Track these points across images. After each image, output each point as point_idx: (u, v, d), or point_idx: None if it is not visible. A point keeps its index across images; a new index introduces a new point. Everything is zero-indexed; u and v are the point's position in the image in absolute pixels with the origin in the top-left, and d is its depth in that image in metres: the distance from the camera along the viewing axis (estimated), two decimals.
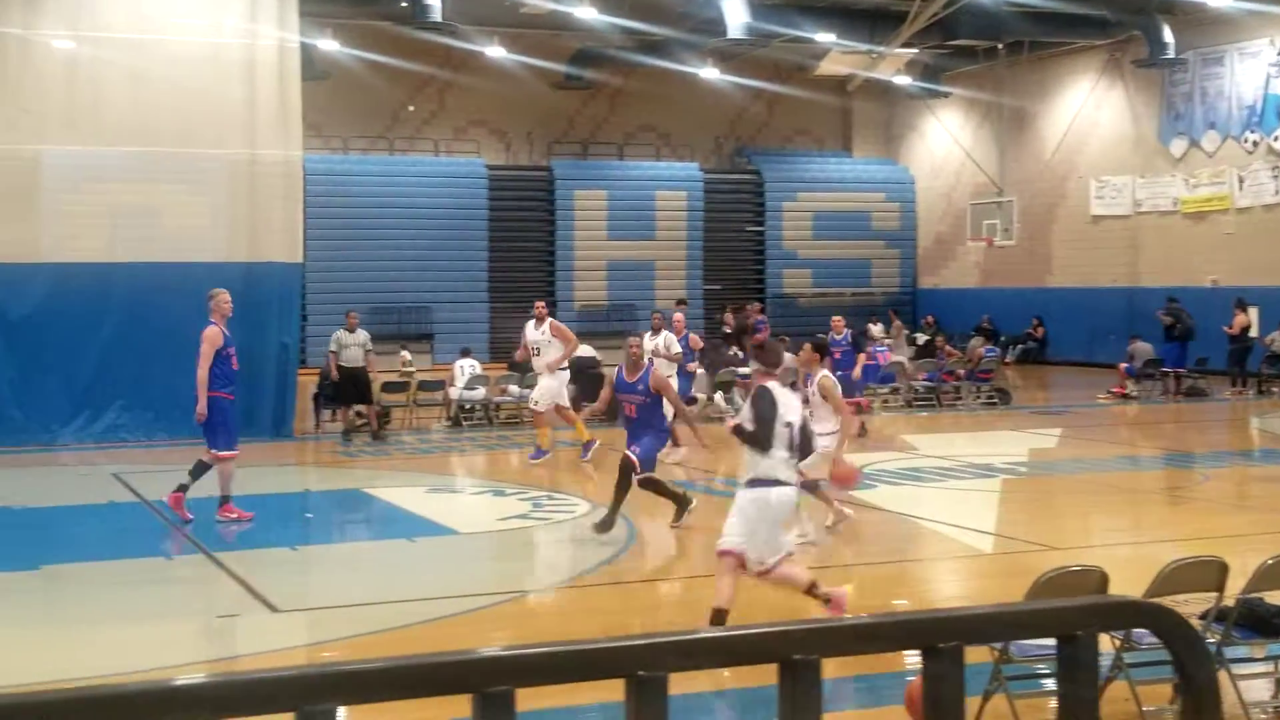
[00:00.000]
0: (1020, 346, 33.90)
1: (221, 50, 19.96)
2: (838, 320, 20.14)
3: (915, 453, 18.44)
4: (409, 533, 12.92)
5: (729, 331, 26.94)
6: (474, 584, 10.91)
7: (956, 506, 14.04)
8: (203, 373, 12.45)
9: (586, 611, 9.69)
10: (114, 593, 10.57)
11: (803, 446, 8.40)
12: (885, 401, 24.09)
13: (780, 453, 8.21)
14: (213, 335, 12.62)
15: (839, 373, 19.01)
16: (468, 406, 21.53)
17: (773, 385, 8.39)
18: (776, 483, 8.22)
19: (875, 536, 12.70)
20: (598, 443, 16.82)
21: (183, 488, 12.57)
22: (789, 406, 8.37)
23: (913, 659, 7.00)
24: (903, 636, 2.46)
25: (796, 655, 2.22)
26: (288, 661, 8.30)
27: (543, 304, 19.21)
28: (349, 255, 31.66)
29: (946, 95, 35.62)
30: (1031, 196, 34.27)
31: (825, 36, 29.84)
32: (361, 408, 20.15)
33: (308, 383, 21.52)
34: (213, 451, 12.59)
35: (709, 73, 32.89)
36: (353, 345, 19.70)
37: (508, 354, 25.32)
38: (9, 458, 17.77)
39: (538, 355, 17.66)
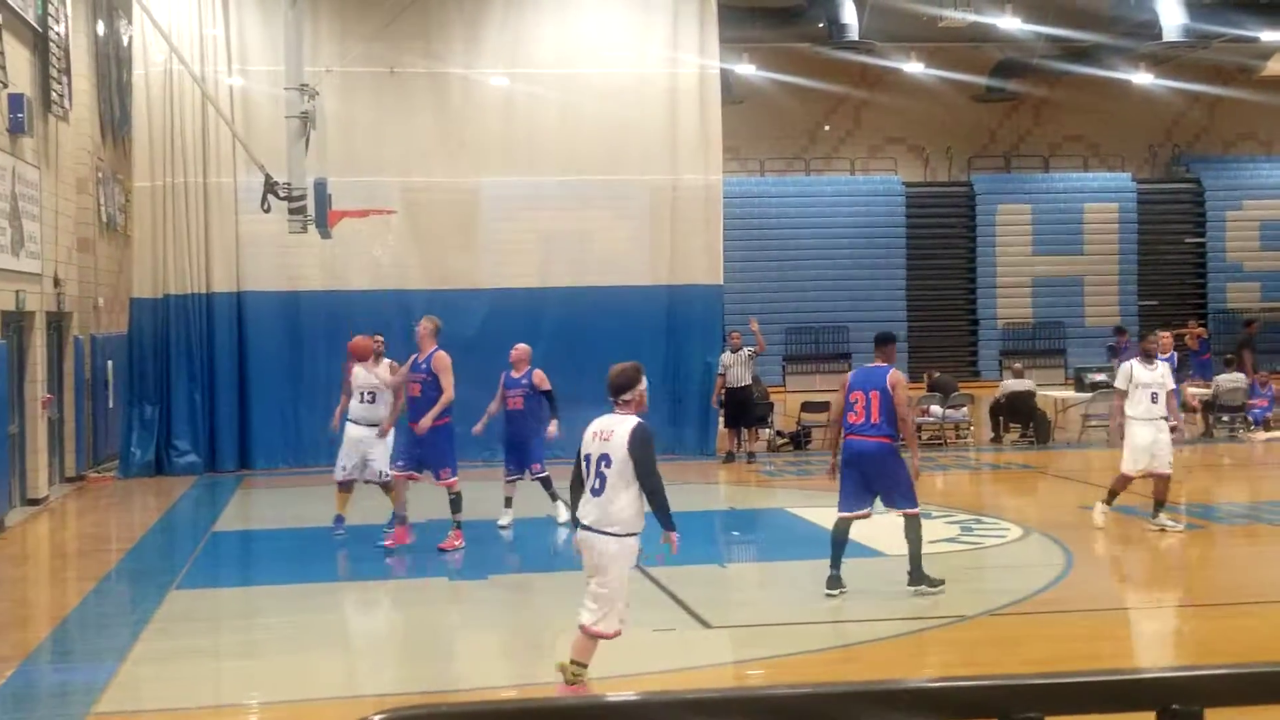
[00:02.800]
0: None
1: (645, 80, 20.65)
2: (1166, 338, 18.31)
3: None
4: None
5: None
6: (902, 607, 10.64)
7: None
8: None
9: (1022, 640, 9.25)
10: (556, 602, 10.96)
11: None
12: None
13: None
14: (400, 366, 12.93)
15: None
16: None
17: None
18: None
19: None
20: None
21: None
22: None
23: None
24: None
25: None
26: (722, 677, 8.36)
27: (374, 338, 13.90)
28: (766, 276, 32.02)
29: None
30: None
31: (1272, 35, 27.72)
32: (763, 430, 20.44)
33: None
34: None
35: (1142, 78, 31.24)
36: (736, 365, 19.77)
37: (926, 373, 24.84)
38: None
39: (369, 402, 13.46)
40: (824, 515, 14.82)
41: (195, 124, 19.78)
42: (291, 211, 16.11)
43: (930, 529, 13.84)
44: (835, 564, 10.43)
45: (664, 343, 20.45)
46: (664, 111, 20.71)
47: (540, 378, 14.14)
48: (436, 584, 11.54)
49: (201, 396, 19.76)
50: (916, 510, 10.50)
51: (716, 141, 21.00)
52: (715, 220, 21.13)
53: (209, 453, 19.74)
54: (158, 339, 19.74)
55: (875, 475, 10.45)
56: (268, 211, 16.39)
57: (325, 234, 16.90)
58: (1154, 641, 9.59)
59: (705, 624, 9.68)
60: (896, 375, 10.69)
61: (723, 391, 19.69)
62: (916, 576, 10.38)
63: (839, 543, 10.47)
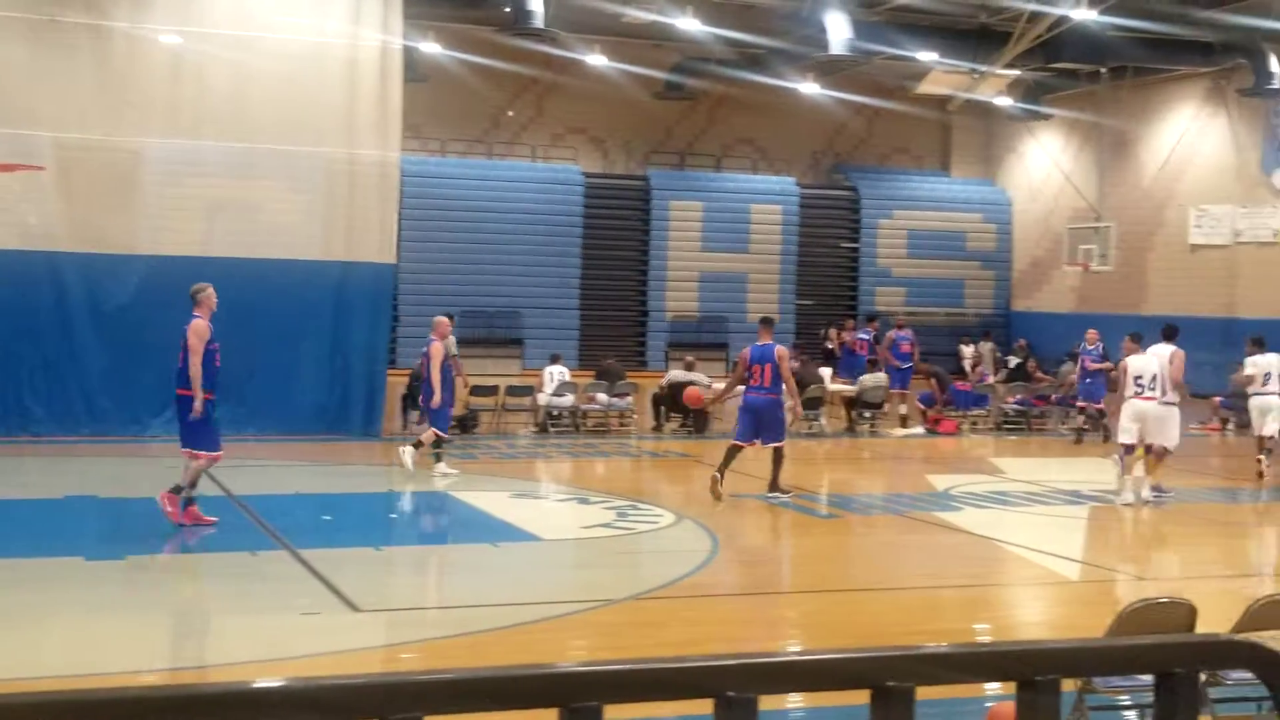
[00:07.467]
0: (1114, 373, 33.31)
1: (325, 49, 20.19)
2: (1092, 332, 21.96)
3: (1002, 476, 18.18)
4: (492, 537, 12.94)
5: (831, 348, 26.87)
6: (554, 591, 10.91)
7: (1041, 532, 13.81)
8: (195, 368, 12.00)
9: (664, 624, 9.62)
10: (197, 586, 10.70)
11: None
12: (975, 424, 23.80)
13: None
14: (201, 329, 12.17)
15: (1087, 380, 21.43)
16: (555, 413, 21.58)
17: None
18: None
19: (958, 559, 12.53)
20: None
21: (190, 500, 12.26)
22: None
23: (994, 685, 6.86)
24: (1001, 667, 2.37)
25: (890, 682, 2.15)
26: (368, 662, 8.34)
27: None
28: (442, 258, 31.90)
29: (1047, 118, 35.14)
30: (1130, 223, 33.67)
31: (927, 55, 29.56)
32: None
33: (397, 384, 21.69)
34: (194, 450, 12.20)
35: (809, 88, 32.73)
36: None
37: (597, 361, 25.35)
38: (99, 447, 18.09)
39: None
40: (486, 499, 15.04)
41: None
42: None
43: (587, 514, 14.29)
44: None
45: (332, 320, 20.11)
46: (342, 84, 20.30)
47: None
48: (71, 564, 11.01)
49: None
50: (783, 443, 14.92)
51: (396, 118, 20.75)
52: (391, 197, 20.92)
53: None
54: None
55: (766, 420, 14.74)
56: None
57: None
58: (785, 624, 10.12)
59: (354, 607, 9.61)
60: (782, 350, 15.05)
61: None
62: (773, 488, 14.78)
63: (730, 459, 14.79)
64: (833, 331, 28.93)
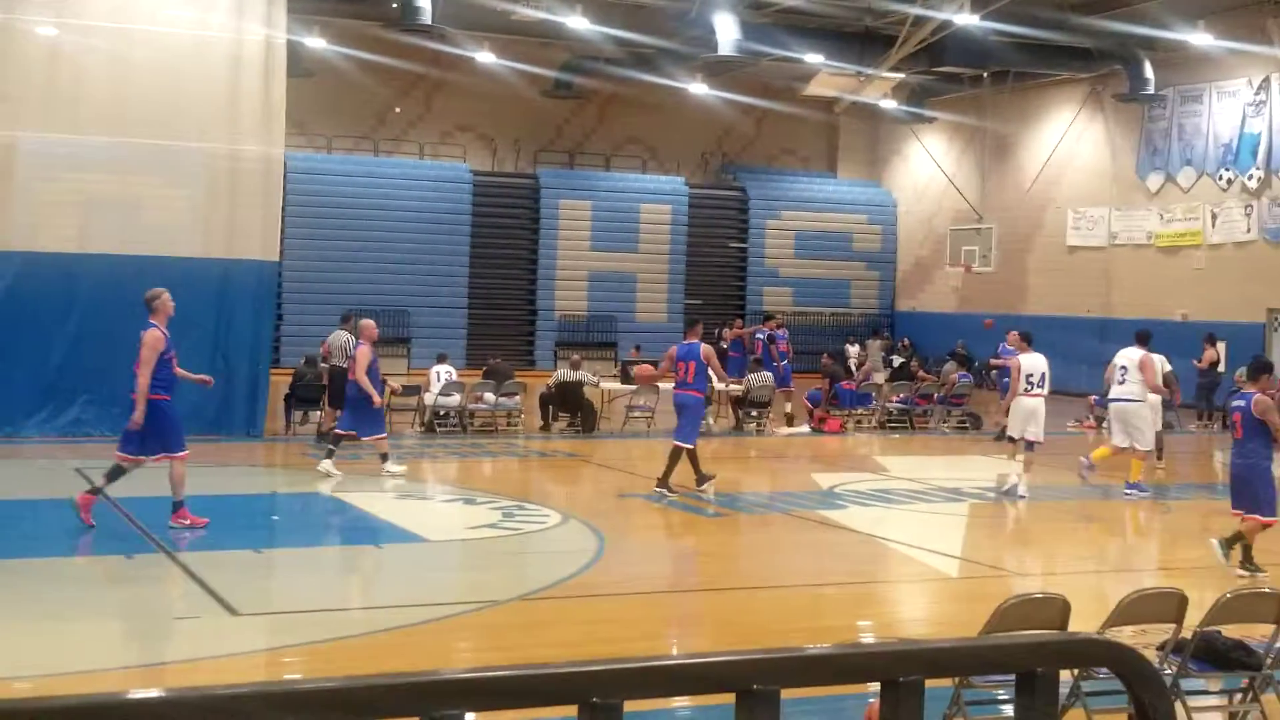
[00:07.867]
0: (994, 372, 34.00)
1: (207, 43, 19.82)
2: (1013, 334, 20.69)
3: (886, 474, 18.44)
4: (376, 538, 12.82)
5: (725, 347, 27.00)
6: (439, 593, 10.83)
7: (923, 529, 14.03)
8: (144, 381, 11.87)
9: (549, 624, 9.61)
10: (70, 590, 10.43)
11: None
12: (859, 422, 24.11)
13: None
14: (156, 340, 12.00)
15: (1005, 380, 20.15)
16: (442, 413, 21.43)
17: None
18: None
19: (841, 556, 12.69)
20: None
21: (96, 490, 12.11)
22: None
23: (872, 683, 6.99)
24: (863, 669, 2.42)
25: (755, 685, 2.17)
26: (246, 667, 8.21)
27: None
28: (328, 256, 31.53)
29: (931, 120, 35.74)
30: (1010, 224, 34.39)
31: (814, 57, 29.90)
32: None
33: (280, 383, 21.37)
34: (167, 455, 12.14)
35: (698, 88, 32.92)
36: (338, 347, 19.58)
37: (485, 360, 25.23)
38: None
39: None
40: (370, 500, 14.89)
41: None
42: None
43: (473, 514, 14.21)
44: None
45: (213, 318, 19.72)
46: (225, 78, 19.92)
47: None
48: None
49: None
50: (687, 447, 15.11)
51: (280, 114, 20.42)
52: (274, 195, 20.59)
53: None
54: None
55: (683, 417, 15.17)
56: None
57: None
58: (670, 623, 10.17)
59: (232, 611, 9.45)
60: (708, 348, 15.42)
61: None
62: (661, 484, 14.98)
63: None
64: (726, 331, 29.13)
